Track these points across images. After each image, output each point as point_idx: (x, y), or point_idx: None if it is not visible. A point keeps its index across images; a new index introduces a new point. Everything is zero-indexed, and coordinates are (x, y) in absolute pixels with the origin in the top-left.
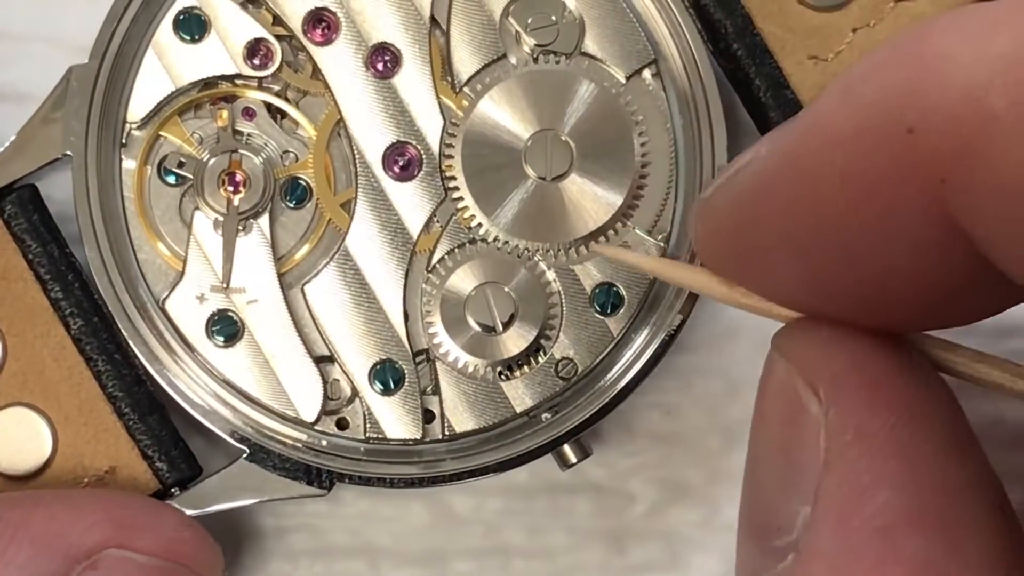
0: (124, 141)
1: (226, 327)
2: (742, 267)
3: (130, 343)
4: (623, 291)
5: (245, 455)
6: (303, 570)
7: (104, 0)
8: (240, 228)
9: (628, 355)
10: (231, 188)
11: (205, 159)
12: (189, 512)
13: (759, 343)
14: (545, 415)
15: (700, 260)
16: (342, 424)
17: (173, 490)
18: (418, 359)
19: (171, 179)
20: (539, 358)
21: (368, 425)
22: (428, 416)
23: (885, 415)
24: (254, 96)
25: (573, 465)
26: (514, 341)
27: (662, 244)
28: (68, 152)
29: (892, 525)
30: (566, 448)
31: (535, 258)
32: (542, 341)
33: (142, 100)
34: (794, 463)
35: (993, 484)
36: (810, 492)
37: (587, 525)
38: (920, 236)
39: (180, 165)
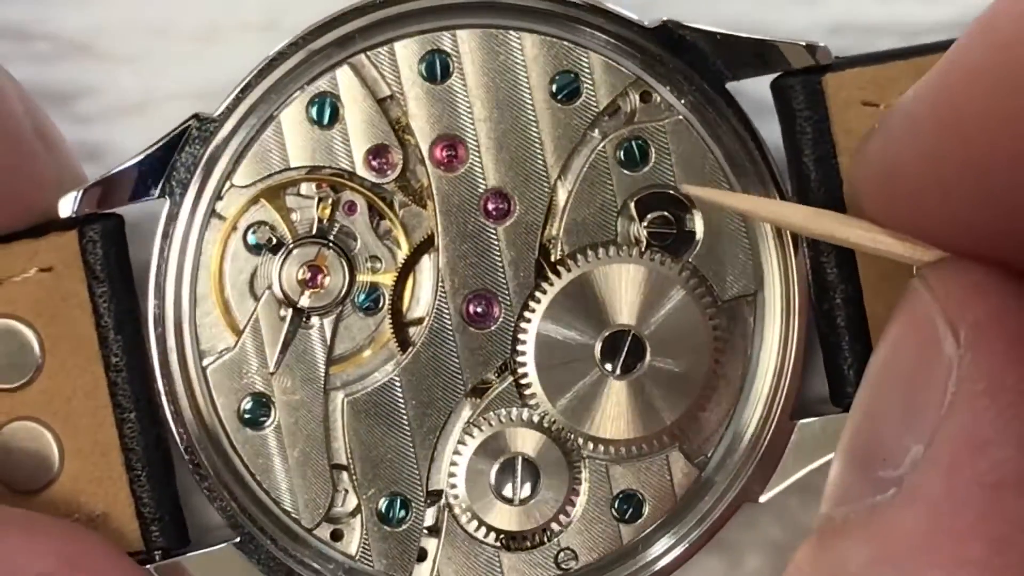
0: (221, 195)
1: (258, 410)
2: (895, 211)
3: (162, 399)
4: (646, 505)
5: (234, 541)
6: None
7: None
8: (304, 320)
9: (630, 565)
10: (309, 282)
11: (293, 243)
12: None
13: None
14: None
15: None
16: (336, 535)
17: (155, 554)
18: (430, 499)
19: (253, 243)
20: (544, 539)
21: (361, 547)
22: (421, 554)
23: None
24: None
25: None
26: (527, 516)
27: (697, 470)
28: (165, 196)
29: (1004, 484)
30: None
31: (573, 444)
32: (553, 524)
33: (253, 166)
34: (915, 399)
35: None
36: (926, 432)
37: None
38: None
39: (269, 241)
